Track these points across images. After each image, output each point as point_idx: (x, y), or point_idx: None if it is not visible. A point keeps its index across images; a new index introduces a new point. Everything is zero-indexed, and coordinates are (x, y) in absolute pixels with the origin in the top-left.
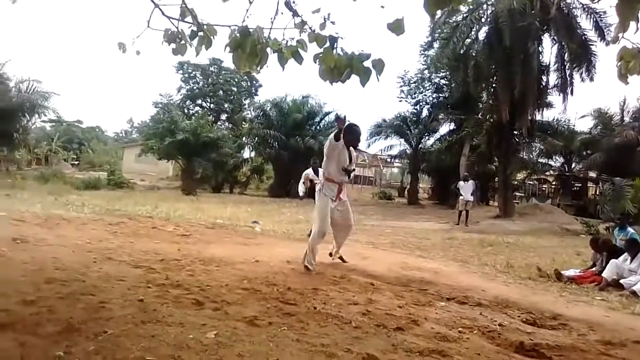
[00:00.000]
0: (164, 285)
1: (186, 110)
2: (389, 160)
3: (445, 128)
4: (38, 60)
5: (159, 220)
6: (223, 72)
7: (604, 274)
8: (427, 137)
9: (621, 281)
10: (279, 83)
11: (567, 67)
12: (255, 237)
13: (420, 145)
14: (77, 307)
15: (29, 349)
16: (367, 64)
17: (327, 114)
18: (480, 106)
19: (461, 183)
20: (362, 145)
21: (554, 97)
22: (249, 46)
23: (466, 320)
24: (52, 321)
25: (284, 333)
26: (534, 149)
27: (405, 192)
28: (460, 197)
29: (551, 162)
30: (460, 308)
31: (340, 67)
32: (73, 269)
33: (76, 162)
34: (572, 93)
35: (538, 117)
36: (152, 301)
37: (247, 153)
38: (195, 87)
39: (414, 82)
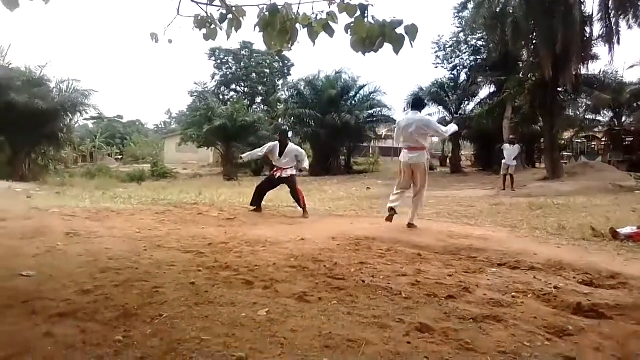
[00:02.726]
0: (213, 268)
1: (221, 97)
2: None
3: (485, 91)
4: (75, 60)
5: (204, 206)
6: (255, 55)
7: None
8: (466, 103)
9: None
10: (311, 61)
11: (612, 16)
12: (300, 216)
13: (460, 112)
14: (132, 293)
15: (90, 334)
16: (400, 30)
17: (362, 87)
18: (521, 65)
19: (507, 145)
20: (399, 117)
21: (600, 49)
22: (279, 24)
23: (519, 285)
24: (110, 308)
25: (335, 307)
26: (580, 105)
27: (447, 160)
28: (503, 161)
29: (599, 118)
30: (512, 273)
31: (373, 36)
32: (125, 258)
33: (120, 157)
34: (618, 42)
35: (583, 71)
36: (203, 284)
37: None
38: (228, 73)
39: (450, 47)
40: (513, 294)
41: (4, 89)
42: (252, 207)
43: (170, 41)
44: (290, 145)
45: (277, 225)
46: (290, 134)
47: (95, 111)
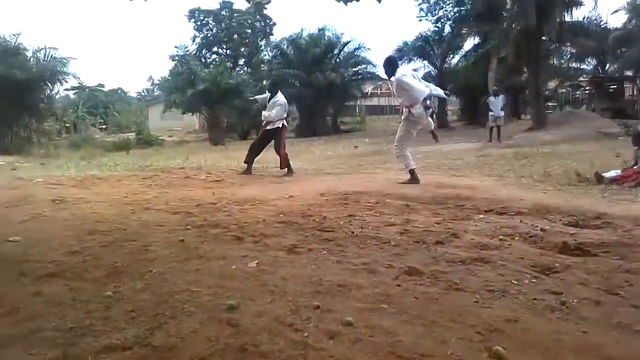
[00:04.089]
0: (202, 226)
1: (203, 60)
2: None
3: (469, 43)
4: (49, 27)
5: (191, 170)
6: (235, 15)
7: None
8: (451, 56)
9: None
10: (294, 20)
11: None
12: (288, 175)
13: (445, 65)
14: (121, 252)
15: (79, 292)
16: None
17: (346, 44)
18: (505, 15)
19: (491, 98)
20: (384, 73)
21: None
22: None
23: (507, 229)
24: (99, 267)
25: (324, 256)
26: (564, 53)
27: (433, 115)
28: (490, 113)
29: (584, 66)
30: (499, 218)
31: None
32: (113, 221)
33: (104, 126)
34: None
35: (567, 18)
36: (192, 240)
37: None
38: (209, 35)
39: None
40: (500, 237)
41: None
42: (243, 169)
43: None
44: (277, 96)
45: (265, 185)
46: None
47: (75, 80)
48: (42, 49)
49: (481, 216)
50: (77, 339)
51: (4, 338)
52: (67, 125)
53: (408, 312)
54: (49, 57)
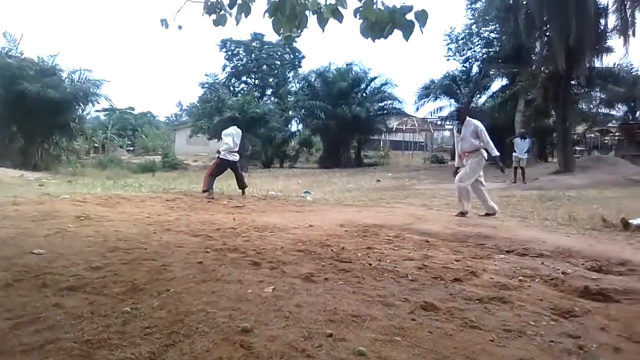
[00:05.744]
0: (221, 250)
1: (232, 88)
2: (439, 122)
3: (497, 84)
4: (86, 50)
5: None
6: (265, 46)
7: None
8: (478, 96)
9: None
10: (322, 53)
11: (627, 7)
12: (308, 205)
13: (471, 105)
14: (140, 270)
15: (98, 306)
16: (410, 16)
17: (373, 79)
18: (534, 58)
19: (517, 140)
20: (410, 110)
21: (614, 41)
22: (288, 8)
23: (527, 270)
24: (118, 283)
25: (341, 286)
26: (594, 99)
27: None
28: (514, 154)
29: (613, 112)
30: (520, 259)
31: (382, 22)
32: (135, 239)
33: (131, 148)
34: (634, 34)
35: (597, 64)
36: (210, 263)
37: (294, 126)
38: (239, 64)
39: (462, 39)
40: (520, 278)
41: (17, 78)
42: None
43: (180, 27)
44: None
45: (285, 212)
46: (300, 126)
47: (107, 102)
48: (77, 70)
49: (502, 256)
50: (93, 351)
51: (24, 345)
52: (96, 145)
53: (421, 346)
54: (83, 78)
